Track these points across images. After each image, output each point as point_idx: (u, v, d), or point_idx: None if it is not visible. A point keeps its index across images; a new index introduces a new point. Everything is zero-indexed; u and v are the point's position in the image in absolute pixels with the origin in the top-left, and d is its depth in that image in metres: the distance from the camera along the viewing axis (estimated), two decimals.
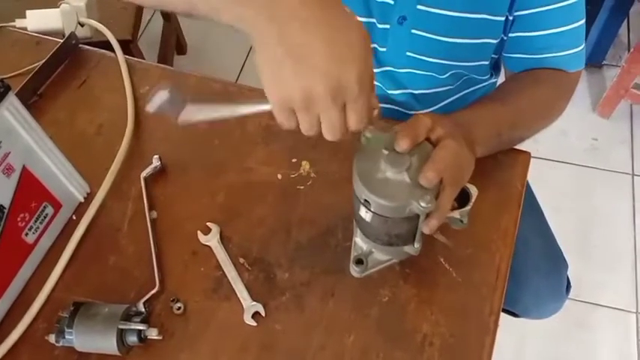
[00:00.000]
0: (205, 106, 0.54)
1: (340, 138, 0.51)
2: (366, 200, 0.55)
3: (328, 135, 0.51)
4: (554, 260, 0.98)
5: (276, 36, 0.46)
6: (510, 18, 0.76)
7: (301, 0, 0.46)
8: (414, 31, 0.78)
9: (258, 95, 0.84)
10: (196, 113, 0.53)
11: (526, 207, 0.75)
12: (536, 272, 0.93)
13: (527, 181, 0.77)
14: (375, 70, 0.85)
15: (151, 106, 0.53)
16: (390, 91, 0.89)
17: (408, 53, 0.81)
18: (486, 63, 0.84)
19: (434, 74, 0.84)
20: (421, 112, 0.92)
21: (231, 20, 0.49)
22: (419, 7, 0.75)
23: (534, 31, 0.77)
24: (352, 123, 0.50)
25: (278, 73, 0.47)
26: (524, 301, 0.93)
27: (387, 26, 0.79)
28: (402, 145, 0.55)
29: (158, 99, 0.52)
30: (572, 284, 1.01)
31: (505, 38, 0.80)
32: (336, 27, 0.47)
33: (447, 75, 0.85)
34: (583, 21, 0.78)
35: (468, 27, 0.77)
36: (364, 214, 0.58)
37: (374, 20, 0.79)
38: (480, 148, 0.68)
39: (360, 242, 0.66)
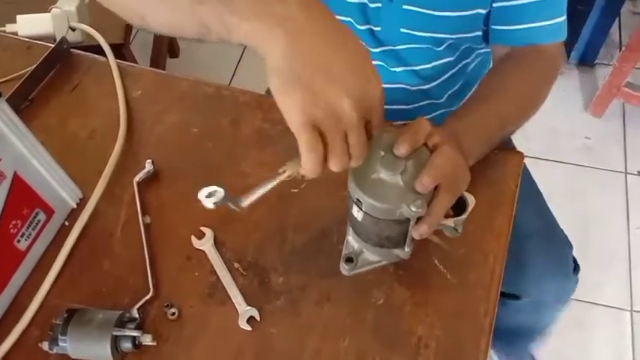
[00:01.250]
0: (255, 190, 0.57)
1: (359, 163, 0.51)
2: (358, 199, 0.55)
3: (345, 159, 0.50)
4: (555, 240, 0.98)
5: (291, 51, 0.45)
6: None
7: (308, 15, 0.46)
8: (405, 6, 0.79)
9: (251, 97, 0.85)
10: (250, 197, 0.57)
11: (525, 193, 0.75)
12: (535, 250, 0.93)
13: (528, 171, 0.77)
14: (375, 50, 0.87)
15: (208, 203, 0.56)
16: (392, 69, 0.90)
17: (402, 29, 0.82)
18: (479, 33, 0.85)
19: (430, 47, 0.85)
20: (423, 114, 0.93)
21: (243, 38, 0.47)
22: None
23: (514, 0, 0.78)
24: (369, 136, 0.50)
25: (297, 93, 0.46)
26: (524, 280, 0.93)
27: (379, 5, 0.80)
28: (402, 149, 0.55)
29: (213, 197, 0.56)
30: None
31: (491, 8, 0.81)
32: (347, 37, 0.47)
33: (444, 47, 0.86)
34: None
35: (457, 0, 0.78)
36: (356, 213, 0.58)
37: (365, 1, 0.80)
38: (472, 159, 0.68)
39: (351, 241, 0.66)
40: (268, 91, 1.17)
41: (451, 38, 0.83)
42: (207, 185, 0.55)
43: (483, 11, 0.80)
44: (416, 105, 0.97)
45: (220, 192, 0.54)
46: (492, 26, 0.83)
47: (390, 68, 0.90)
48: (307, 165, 0.49)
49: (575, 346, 1.54)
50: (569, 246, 0.99)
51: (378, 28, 0.83)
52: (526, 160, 0.79)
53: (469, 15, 0.80)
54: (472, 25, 0.83)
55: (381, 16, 0.81)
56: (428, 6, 0.79)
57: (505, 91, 0.77)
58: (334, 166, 0.50)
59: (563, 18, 0.81)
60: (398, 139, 0.55)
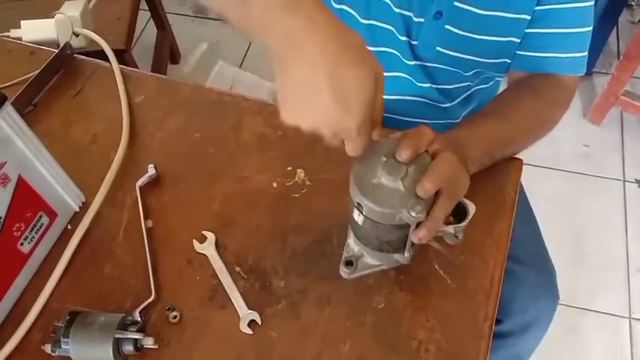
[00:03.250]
0: None
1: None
2: (359, 203, 0.56)
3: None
4: (546, 262, 0.99)
5: (287, 68, 0.48)
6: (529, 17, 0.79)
7: (310, 32, 0.47)
8: (447, 26, 0.81)
9: (253, 103, 0.86)
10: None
11: (521, 210, 0.76)
12: (532, 270, 0.94)
13: (521, 184, 0.78)
14: (410, 63, 0.88)
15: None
16: (419, 84, 0.91)
17: (438, 48, 0.84)
18: (509, 61, 0.86)
19: (459, 71, 0.88)
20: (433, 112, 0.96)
21: (261, 38, 0.49)
22: (456, 3, 0.79)
23: (545, 28, 0.80)
24: (349, 152, 0.54)
25: (289, 103, 0.50)
26: (520, 299, 0.93)
27: (422, 20, 0.82)
28: (404, 154, 0.55)
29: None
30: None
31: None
32: (348, 62, 0.48)
33: (471, 73, 0.88)
34: (590, 28, 0.81)
35: (498, 25, 0.80)
36: (357, 216, 0.58)
37: (411, 14, 0.82)
38: (472, 167, 0.69)
39: (352, 244, 0.67)
40: (269, 97, 1.18)
41: (482, 63, 0.85)
42: (206, 192, 0.57)
43: (517, 40, 0.82)
44: (435, 121, 0.99)
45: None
46: (517, 51, 0.84)
47: (417, 83, 0.91)
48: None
49: (572, 353, 1.55)
50: (554, 271, 1.00)
51: (416, 42, 0.85)
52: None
53: (504, 42, 0.82)
54: (504, 53, 0.85)
55: (422, 31, 0.83)
56: (469, 29, 0.81)
57: (516, 112, 0.79)
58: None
59: (586, 53, 0.83)
60: (401, 144, 0.56)
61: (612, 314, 1.61)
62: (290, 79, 0.49)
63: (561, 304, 1.02)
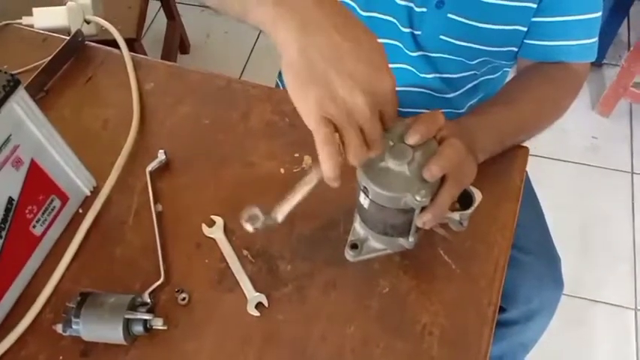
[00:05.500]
0: (284, 202, 0.60)
1: (377, 153, 0.53)
2: (365, 187, 0.57)
3: (363, 151, 0.51)
4: (551, 251, 0.99)
5: (304, 44, 0.46)
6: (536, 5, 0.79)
7: (321, 7, 0.46)
8: (450, 15, 0.80)
9: (261, 90, 0.87)
10: (283, 209, 0.60)
11: (526, 199, 0.76)
12: (536, 258, 0.94)
13: (527, 173, 0.78)
14: (413, 54, 0.88)
15: (249, 227, 0.60)
16: (422, 75, 0.91)
17: (442, 37, 0.83)
18: (515, 49, 0.86)
19: (464, 60, 0.87)
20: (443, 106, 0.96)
21: (258, 22, 0.49)
22: None
23: (553, 16, 0.79)
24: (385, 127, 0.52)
25: (311, 89, 0.47)
26: (525, 288, 0.94)
27: (424, 9, 0.81)
28: (414, 138, 0.56)
29: (253, 221, 0.60)
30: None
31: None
32: (364, 32, 0.48)
33: (476, 62, 0.87)
34: (599, 13, 0.80)
35: (502, 13, 0.79)
36: (362, 200, 0.59)
37: (412, 5, 0.81)
38: (482, 155, 0.69)
39: (358, 228, 0.67)
40: (277, 84, 1.18)
41: (487, 51, 0.84)
42: (215, 177, 0.58)
43: (523, 28, 0.81)
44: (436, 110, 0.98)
45: (259, 217, 0.59)
46: (525, 40, 0.84)
47: (419, 74, 0.91)
48: (324, 160, 0.50)
49: (578, 344, 1.55)
50: (559, 260, 1.00)
51: (419, 32, 0.84)
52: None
53: (509, 30, 0.81)
54: (510, 41, 0.84)
55: (424, 20, 0.82)
56: (472, 17, 0.80)
57: (527, 99, 0.79)
58: (352, 158, 0.51)
59: (596, 39, 0.83)
60: (411, 128, 0.56)
61: (618, 305, 1.61)
62: (301, 52, 0.46)
63: (568, 295, 1.03)
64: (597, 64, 2.09)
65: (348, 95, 0.47)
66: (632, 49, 1.78)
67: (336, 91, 0.47)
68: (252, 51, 2.20)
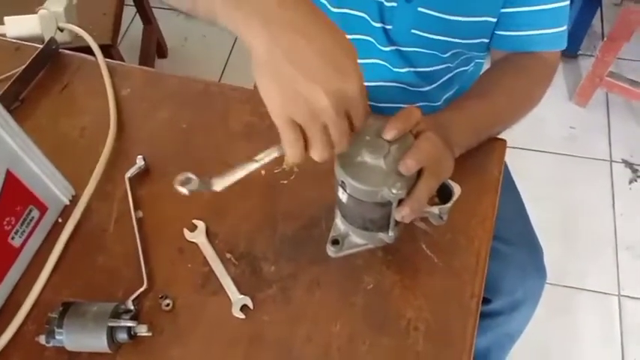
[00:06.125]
0: (228, 172, 0.57)
1: (341, 151, 0.53)
2: (342, 182, 0.57)
3: (327, 151, 0.51)
4: (533, 241, 1.00)
5: (271, 46, 0.46)
6: None
7: (286, 7, 0.46)
8: (420, 9, 0.81)
9: (240, 92, 0.86)
10: (224, 180, 0.57)
11: (506, 190, 0.77)
12: (519, 249, 0.95)
13: (506, 164, 0.79)
14: (385, 49, 0.88)
15: (183, 190, 0.57)
16: (396, 69, 0.92)
17: (413, 31, 0.84)
18: (486, 41, 0.87)
19: (436, 53, 0.87)
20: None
21: (225, 24, 0.49)
22: None
23: (521, 6, 0.80)
24: (354, 127, 0.52)
25: (276, 90, 0.47)
26: (508, 278, 0.95)
27: (394, 4, 0.82)
28: (391, 134, 0.56)
29: (187, 184, 0.57)
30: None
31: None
32: (329, 31, 0.47)
33: (449, 54, 0.88)
34: (567, 2, 0.81)
35: (471, 5, 0.80)
36: (341, 195, 0.60)
37: (382, 0, 0.82)
38: (458, 149, 0.70)
39: (339, 223, 0.68)
40: (255, 86, 1.18)
41: (459, 43, 0.85)
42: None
43: (493, 19, 0.82)
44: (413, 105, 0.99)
45: (194, 181, 0.56)
46: (495, 31, 0.84)
47: (393, 69, 0.91)
48: (290, 157, 0.52)
49: (564, 332, 1.57)
50: (542, 250, 1.01)
51: (390, 27, 0.85)
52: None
53: (479, 21, 0.82)
54: (480, 32, 0.85)
55: (395, 15, 0.83)
56: (442, 10, 0.81)
57: (500, 91, 0.80)
58: (316, 157, 0.52)
59: (565, 28, 0.84)
60: (388, 124, 0.56)
61: (602, 292, 1.64)
62: (268, 52, 0.46)
63: (552, 284, 1.04)
64: (573, 55, 2.12)
65: (312, 97, 0.47)
66: (605, 39, 1.80)
67: (300, 92, 0.47)
68: (230, 53, 2.19)
